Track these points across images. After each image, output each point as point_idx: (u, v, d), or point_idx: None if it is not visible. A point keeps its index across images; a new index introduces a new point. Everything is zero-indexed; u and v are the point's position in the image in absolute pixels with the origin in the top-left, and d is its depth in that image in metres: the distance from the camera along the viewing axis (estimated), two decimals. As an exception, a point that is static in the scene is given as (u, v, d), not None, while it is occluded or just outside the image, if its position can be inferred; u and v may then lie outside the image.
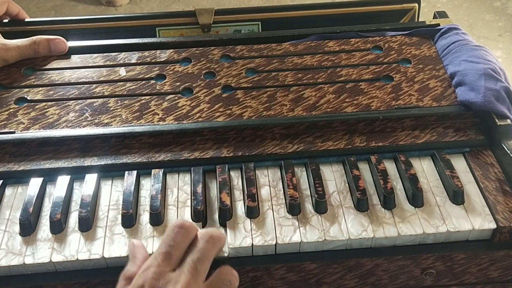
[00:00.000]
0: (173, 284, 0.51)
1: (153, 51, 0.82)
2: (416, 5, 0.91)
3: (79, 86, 0.77)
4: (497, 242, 0.63)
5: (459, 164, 0.69)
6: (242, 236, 0.62)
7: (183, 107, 0.73)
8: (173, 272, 0.53)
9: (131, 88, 0.76)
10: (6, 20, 0.89)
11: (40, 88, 0.76)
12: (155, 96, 0.75)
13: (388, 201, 0.64)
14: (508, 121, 0.69)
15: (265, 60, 0.80)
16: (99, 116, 0.72)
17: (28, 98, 0.75)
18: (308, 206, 0.65)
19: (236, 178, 0.68)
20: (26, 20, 0.90)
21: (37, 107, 0.74)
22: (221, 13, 0.90)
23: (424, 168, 0.69)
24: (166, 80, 0.77)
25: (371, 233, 0.62)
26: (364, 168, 0.69)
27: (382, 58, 0.80)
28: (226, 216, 0.64)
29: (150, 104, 0.74)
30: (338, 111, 0.72)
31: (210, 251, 0.54)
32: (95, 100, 0.75)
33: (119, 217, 0.64)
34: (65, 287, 0.61)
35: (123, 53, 0.82)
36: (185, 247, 0.55)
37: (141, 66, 0.80)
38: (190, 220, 0.64)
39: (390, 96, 0.74)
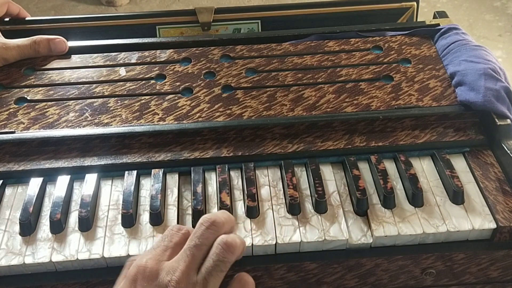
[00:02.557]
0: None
1: (153, 51, 0.82)
2: (415, 3, 0.91)
3: (79, 86, 0.77)
4: (497, 242, 0.63)
5: (459, 164, 0.69)
6: (242, 236, 0.62)
7: (183, 107, 0.73)
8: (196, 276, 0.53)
9: (131, 88, 0.76)
10: (7, 19, 0.89)
11: (40, 88, 0.76)
12: (155, 96, 0.75)
13: (388, 201, 0.64)
14: (508, 121, 0.69)
15: (265, 60, 0.80)
16: (99, 116, 0.72)
17: (28, 98, 0.75)
18: (308, 206, 0.65)
19: (236, 178, 0.68)
20: (27, 19, 0.90)
21: (37, 107, 0.74)
22: (221, 11, 0.91)
23: (424, 168, 0.69)
24: (166, 80, 0.77)
25: (371, 234, 0.62)
26: (364, 168, 0.69)
27: (382, 58, 0.80)
28: (226, 216, 0.64)
29: (150, 104, 0.74)
30: (338, 111, 0.72)
31: (226, 263, 0.53)
32: (95, 100, 0.75)
33: (119, 217, 0.64)
34: (65, 287, 0.61)
35: (123, 53, 0.82)
36: (212, 242, 0.54)
37: (141, 66, 0.80)
38: (190, 224, 0.64)
39: (390, 96, 0.74)
